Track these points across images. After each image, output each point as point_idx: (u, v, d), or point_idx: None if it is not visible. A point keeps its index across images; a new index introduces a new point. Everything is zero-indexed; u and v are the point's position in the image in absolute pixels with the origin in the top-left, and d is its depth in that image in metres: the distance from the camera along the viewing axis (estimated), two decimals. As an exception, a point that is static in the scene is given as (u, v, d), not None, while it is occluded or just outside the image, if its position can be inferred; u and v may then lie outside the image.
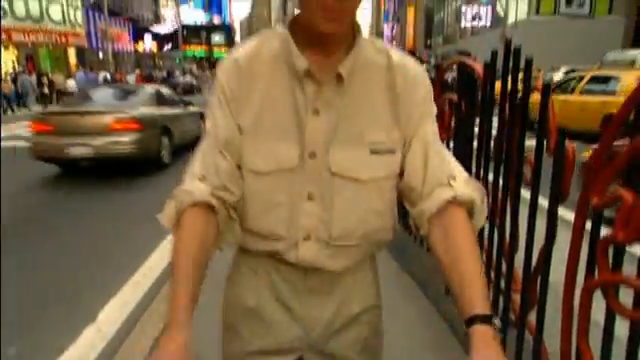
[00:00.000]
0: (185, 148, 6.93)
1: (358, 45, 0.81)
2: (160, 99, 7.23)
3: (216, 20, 68.81)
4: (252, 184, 0.82)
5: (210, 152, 0.82)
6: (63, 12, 24.72)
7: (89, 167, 6.56)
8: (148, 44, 39.00)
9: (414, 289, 2.79)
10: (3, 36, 22.07)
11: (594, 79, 8.96)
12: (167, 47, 40.43)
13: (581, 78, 9.30)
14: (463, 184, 0.82)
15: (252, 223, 0.84)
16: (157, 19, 42.14)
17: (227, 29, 75.63)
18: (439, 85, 2.76)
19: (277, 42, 0.82)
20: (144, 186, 5.89)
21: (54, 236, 4.15)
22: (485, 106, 2.06)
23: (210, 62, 66.02)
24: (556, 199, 1.40)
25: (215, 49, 68.44)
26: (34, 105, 17.83)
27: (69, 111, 6.46)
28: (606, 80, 8.49)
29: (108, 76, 21.95)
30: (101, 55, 29.00)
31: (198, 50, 62.53)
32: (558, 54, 26.58)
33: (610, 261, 1.18)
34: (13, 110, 17.17)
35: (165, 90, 8.11)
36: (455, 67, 2.73)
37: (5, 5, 21.98)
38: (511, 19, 31.07)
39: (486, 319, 0.70)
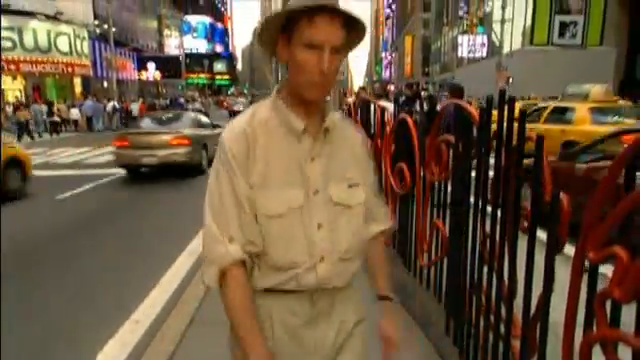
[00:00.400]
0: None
1: (329, 107, 1.05)
2: (199, 123, 9.73)
3: (218, 49, 70.49)
4: (270, 227, 0.98)
5: (231, 212, 0.97)
6: (70, 43, 25.39)
7: (149, 172, 8.83)
8: (151, 72, 39.78)
9: (413, 328, 2.77)
10: (12, 67, 22.63)
11: (555, 110, 9.90)
12: (170, 75, 41.19)
13: (545, 109, 10.28)
14: (387, 219, 1.24)
15: (275, 259, 0.99)
16: (161, 48, 43.19)
17: (229, 58, 77.44)
18: (436, 128, 2.78)
19: (267, 108, 1.03)
20: (190, 186, 7.84)
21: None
22: (481, 154, 2.11)
23: (212, 90, 67.35)
24: (553, 250, 1.43)
25: (217, 77, 69.94)
26: (44, 132, 18.51)
27: (140, 132, 8.86)
28: (564, 111, 9.39)
29: (116, 105, 22.47)
30: (105, 84, 29.57)
31: (200, 78, 63.87)
32: (552, 83, 27.09)
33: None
34: (33, 137, 17.57)
35: (201, 116, 10.76)
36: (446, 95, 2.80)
37: (15, 37, 22.61)
38: (506, 49, 31.83)
39: (387, 298, 1.21)
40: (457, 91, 6.26)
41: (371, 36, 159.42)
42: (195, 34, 55.40)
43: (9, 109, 18.34)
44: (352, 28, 0.96)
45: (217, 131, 9.70)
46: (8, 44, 22.44)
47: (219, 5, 79.51)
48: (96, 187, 8.10)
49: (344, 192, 1.04)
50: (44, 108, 19.57)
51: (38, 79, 24.89)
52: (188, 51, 56.99)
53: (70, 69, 25.53)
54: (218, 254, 0.95)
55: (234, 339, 1.03)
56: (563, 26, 30.45)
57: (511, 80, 26.48)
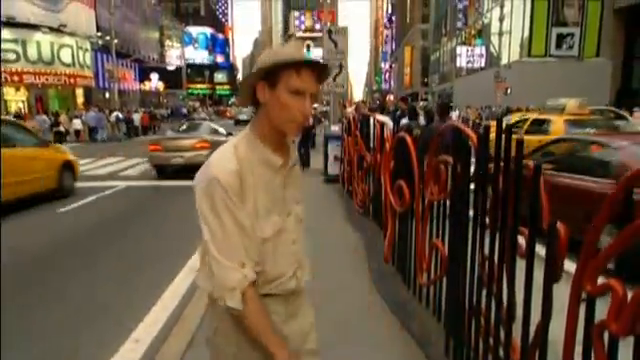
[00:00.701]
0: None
1: (290, 143, 1.26)
2: (215, 130, 11.49)
3: (219, 59, 71.03)
4: (265, 248, 1.18)
5: (236, 241, 1.12)
6: (73, 55, 25.63)
7: (174, 171, 10.19)
8: (154, 83, 40.08)
9: (413, 348, 2.76)
10: (15, 78, 22.82)
11: (534, 122, 10.62)
12: (171, 86, 41.48)
13: (526, 121, 11.06)
14: None
15: (270, 272, 1.20)
16: (162, 59, 43.57)
17: (230, 68, 78.00)
18: (434, 148, 2.81)
19: (244, 144, 1.17)
20: (192, 199, 8.33)
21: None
22: (479, 181, 2.14)
23: (213, 100, 67.73)
24: (550, 280, 1.45)
25: (218, 87, 70.38)
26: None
27: (169, 137, 10.64)
28: (542, 123, 10.12)
29: (120, 115, 22.69)
30: (107, 95, 29.78)
31: (201, 88, 64.28)
32: (549, 94, 27.22)
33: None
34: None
35: (217, 125, 12.59)
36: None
37: (19, 49, 22.83)
38: (504, 60, 32.10)
39: None
40: (445, 109, 6.47)
41: (371, 46, 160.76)
42: (196, 45, 55.92)
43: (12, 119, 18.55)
44: (322, 72, 1.17)
45: (229, 138, 10.35)
46: (12, 56, 22.67)
47: (220, 16, 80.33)
48: (97, 200, 8.12)
49: (301, 209, 1.29)
50: (46, 119, 19.73)
51: (41, 90, 25.08)
52: (189, 62, 57.45)
53: (72, 80, 25.74)
54: (236, 280, 1.11)
55: (246, 342, 1.20)
56: (560, 38, 30.78)
57: (509, 91, 26.67)
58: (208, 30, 65.31)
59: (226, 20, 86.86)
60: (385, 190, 4.10)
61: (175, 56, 48.87)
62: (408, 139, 3.56)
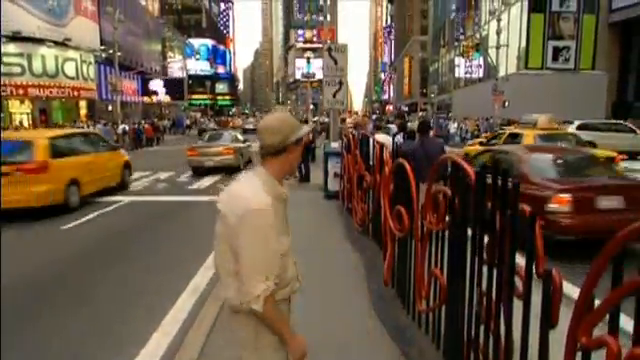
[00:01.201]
0: (247, 162, 14.52)
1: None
2: (237, 139, 14.66)
3: (220, 70, 71.60)
4: (283, 260, 1.57)
5: (270, 260, 1.50)
6: (77, 68, 25.97)
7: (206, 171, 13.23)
8: (161, 96, 40.43)
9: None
10: (20, 91, 23.14)
11: (511, 135, 11.45)
12: (173, 97, 41.85)
13: (504, 134, 12.21)
14: None
15: (286, 278, 1.61)
16: (164, 71, 43.99)
17: (231, 79, 78.58)
18: (433, 176, 2.90)
19: (266, 182, 1.56)
20: (191, 216, 8.74)
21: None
22: (476, 219, 2.22)
23: (214, 110, 68.15)
24: (546, 326, 1.54)
25: (219, 98, 70.86)
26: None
27: (203, 145, 13.91)
28: (517, 136, 11.01)
29: (126, 127, 23.23)
30: (110, 107, 30.09)
31: (203, 99, 64.71)
32: (547, 106, 27.51)
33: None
34: None
35: (238, 134, 15.78)
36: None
37: (24, 63, 23.17)
38: (502, 72, 32.46)
39: None
40: (425, 127, 6.69)
41: (370, 57, 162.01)
42: (198, 56, 56.49)
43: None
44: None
45: (246, 144, 14.90)
46: (18, 70, 23.01)
47: (221, 28, 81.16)
48: (100, 216, 8.09)
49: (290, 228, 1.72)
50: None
51: (45, 102, 25.38)
52: (191, 72, 57.97)
53: (76, 93, 26.05)
54: (261, 290, 1.46)
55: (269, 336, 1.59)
56: (556, 51, 31.18)
57: (507, 104, 26.94)
58: (209, 42, 66.00)
59: (227, 32, 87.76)
60: (385, 214, 4.17)
61: (177, 67, 49.35)
62: (407, 166, 3.70)
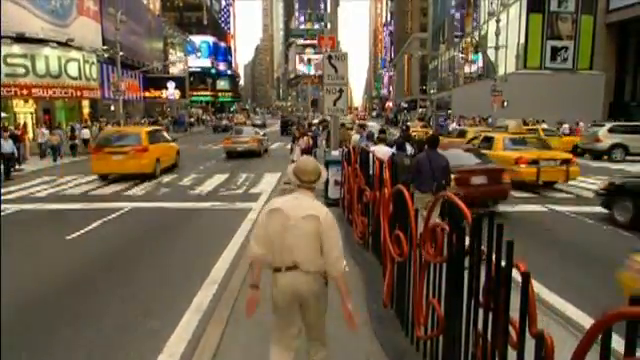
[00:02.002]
0: (266, 151, 20.86)
1: None
2: (257, 133, 20.93)
3: (222, 67, 71.65)
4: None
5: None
6: (79, 68, 26.17)
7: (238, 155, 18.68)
8: (172, 91, 40.49)
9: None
10: (24, 92, 23.41)
11: (485, 138, 12.83)
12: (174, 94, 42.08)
13: (479, 137, 13.55)
14: None
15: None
16: (166, 69, 44.16)
17: (232, 75, 78.62)
18: (432, 210, 3.12)
19: (311, 197, 2.86)
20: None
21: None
22: (472, 261, 2.34)
23: (215, 107, 68.28)
24: None
25: (220, 94, 70.97)
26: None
27: (235, 136, 19.78)
28: (490, 139, 12.40)
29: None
30: (112, 107, 30.35)
31: (204, 95, 64.82)
32: (544, 105, 27.82)
33: None
34: (62, 157, 19.26)
35: (258, 130, 23.15)
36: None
37: (28, 64, 23.41)
38: (501, 71, 32.68)
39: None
40: (435, 142, 6.91)
41: (370, 53, 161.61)
42: (199, 54, 56.58)
43: (45, 131, 19.54)
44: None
45: (265, 137, 21.55)
46: (22, 70, 23.24)
47: (222, 24, 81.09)
48: (103, 225, 8.20)
49: None
50: (62, 132, 20.98)
51: (48, 102, 25.64)
52: (192, 69, 58.08)
53: (79, 93, 26.29)
54: (344, 262, 2.67)
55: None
56: (554, 51, 31.43)
57: (506, 104, 27.20)
58: (210, 39, 66.06)
59: (228, 28, 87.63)
60: (384, 236, 4.34)
61: (179, 66, 49.51)
62: (406, 193, 3.84)
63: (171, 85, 35.65)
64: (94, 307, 4.78)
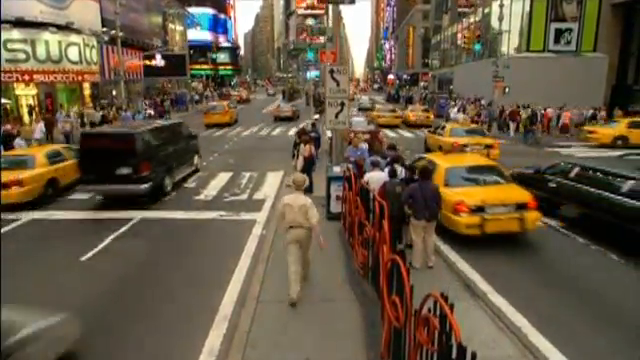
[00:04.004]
0: (298, 117, 33.13)
1: None
2: (294, 105, 36.77)
3: (222, 39, 70.32)
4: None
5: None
6: (80, 52, 26.03)
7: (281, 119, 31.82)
8: (159, 61, 39.68)
9: None
10: (26, 77, 23.42)
11: (442, 127, 17.70)
12: (175, 72, 41.58)
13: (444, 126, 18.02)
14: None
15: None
16: (166, 45, 43.49)
17: (232, 48, 77.20)
18: (424, 303, 3.47)
19: (305, 196, 6.11)
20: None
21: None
22: None
23: (215, 81, 67.53)
24: None
25: (220, 68, 70.01)
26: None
27: (280, 106, 35.04)
28: (443, 127, 17.51)
29: (152, 112, 27.99)
30: (114, 92, 30.27)
31: (204, 69, 64.00)
32: (547, 89, 27.77)
33: None
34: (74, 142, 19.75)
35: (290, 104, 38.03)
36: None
37: (28, 49, 23.31)
38: (504, 51, 32.33)
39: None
40: (427, 173, 7.27)
41: (372, 21, 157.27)
42: (198, 27, 55.46)
43: (42, 128, 18.78)
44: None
45: (295, 108, 34.36)
46: (22, 56, 23.20)
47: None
48: (115, 242, 8.45)
49: None
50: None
51: (50, 87, 25.67)
52: (192, 43, 57.11)
53: (80, 77, 26.28)
54: (318, 219, 5.94)
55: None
56: (558, 33, 31.01)
57: (507, 90, 27.16)
58: (210, 11, 64.50)
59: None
60: (382, 296, 4.72)
61: (178, 39, 48.65)
62: (402, 267, 4.13)
63: (159, 57, 34.91)
64: (105, 353, 4.93)
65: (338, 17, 10.21)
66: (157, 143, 11.54)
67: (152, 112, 27.65)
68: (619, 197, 7.89)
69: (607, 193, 8.15)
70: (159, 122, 13.92)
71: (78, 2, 26.78)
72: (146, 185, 10.58)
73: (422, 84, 68.71)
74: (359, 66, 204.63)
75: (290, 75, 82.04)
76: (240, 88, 58.06)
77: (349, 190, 8.03)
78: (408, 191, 7.19)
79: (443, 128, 17.29)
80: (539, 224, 8.34)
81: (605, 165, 8.98)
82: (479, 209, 7.82)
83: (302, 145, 11.55)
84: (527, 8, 31.20)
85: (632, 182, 7.85)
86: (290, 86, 57.13)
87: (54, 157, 11.80)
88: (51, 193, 11.35)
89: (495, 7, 32.29)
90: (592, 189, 8.52)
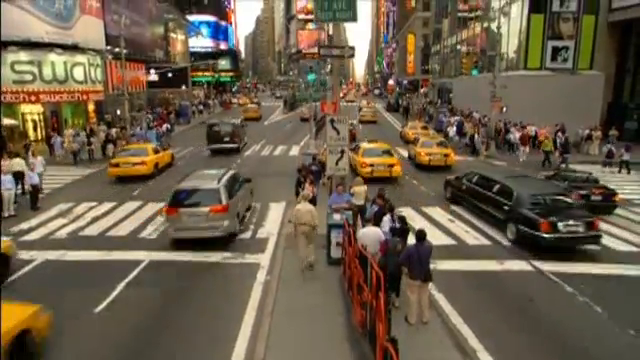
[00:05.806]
0: (314, 118, 25.87)
1: None
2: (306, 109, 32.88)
3: (222, 46, 70.74)
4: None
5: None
6: (85, 72, 26.51)
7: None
8: (152, 77, 40.03)
9: None
10: (32, 98, 23.91)
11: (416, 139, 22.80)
12: (177, 83, 42.10)
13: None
14: None
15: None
16: (168, 57, 43.96)
17: (233, 54, 77.57)
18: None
19: (310, 205, 9.76)
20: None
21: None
22: None
23: (217, 88, 67.89)
24: None
25: (221, 74, 70.39)
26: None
27: (302, 112, 40.33)
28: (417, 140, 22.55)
29: (169, 126, 31.08)
30: (118, 112, 30.76)
31: (205, 76, 64.40)
32: (543, 106, 28.26)
33: None
34: (81, 160, 21.96)
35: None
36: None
37: (35, 70, 23.80)
38: (501, 72, 32.80)
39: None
40: (422, 236, 7.54)
41: (372, 25, 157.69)
42: (200, 37, 55.88)
43: (70, 132, 21.63)
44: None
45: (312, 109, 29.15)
46: (29, 77, 23.68)
47: (224, 2, 79.03)
48: (126, 289, 8.77)
49: None
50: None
51: (56, 106, 26.17)
52: (193, 50, 57.52)
53: (85, 96, 26.77)
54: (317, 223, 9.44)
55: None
56: (555, 51, 31.43)
57: (505, 109, 27.59)
58: (211, 18, 64.89)
59: (228, 3, 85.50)
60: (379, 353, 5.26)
61: (179, 48, 49.10)
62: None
63: (152, 72, 35.32)
64: None
65: (337, 69, 10.69)
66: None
67: (163, 129, 29.52)
68: (490, 194, 12.75)
69: (485, 191, 13.08)
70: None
71: (83, 20, 27.24)
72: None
73: (422, 90, 69.23)
74: (359, 69, 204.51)
75: (291, 79, 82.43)
76: (241, 95, 58.29)
77: (348, 244, 8.49)
78: (406, 252, 7.66)
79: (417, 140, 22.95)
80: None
81: (492, 174, 14.23)
82: (371, 165, 17.43)
83: (307, 185, 11.89)
84: (524, 26, 31.68)
85: (498, 185, 12.66)
86: (292, 94, 57.06)
87: (156, 151, 20.02)
88: (155, 171, 19.10)
89: (493, 25, 32.71)
90: (479, 189, 13.50)
